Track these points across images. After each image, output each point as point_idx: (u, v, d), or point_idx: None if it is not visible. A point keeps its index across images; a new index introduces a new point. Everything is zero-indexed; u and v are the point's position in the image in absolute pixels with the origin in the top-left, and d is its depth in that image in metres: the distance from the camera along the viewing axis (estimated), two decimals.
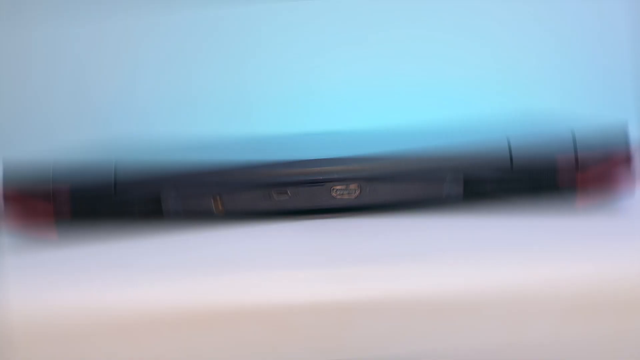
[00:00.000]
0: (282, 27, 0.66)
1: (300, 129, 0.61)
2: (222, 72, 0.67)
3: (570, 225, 0.32)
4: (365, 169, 0.34)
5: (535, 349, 0.25)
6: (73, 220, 0.35)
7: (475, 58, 0.66)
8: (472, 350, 0.25)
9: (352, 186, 0.34)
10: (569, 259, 0.28)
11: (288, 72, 0.67)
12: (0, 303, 0.25)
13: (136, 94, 0.67)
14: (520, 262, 0.28)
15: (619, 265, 0.27)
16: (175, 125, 0.67)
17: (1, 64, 0.67)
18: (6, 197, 0.35)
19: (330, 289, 0.26)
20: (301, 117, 0.67)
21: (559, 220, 0.34)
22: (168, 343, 0.25)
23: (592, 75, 0.65)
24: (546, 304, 0.25)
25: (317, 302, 0.25)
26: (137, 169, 0.35)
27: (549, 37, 0.65)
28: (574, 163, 0.34)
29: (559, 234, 0.32)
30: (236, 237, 0.32)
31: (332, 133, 0.50)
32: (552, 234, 0.32)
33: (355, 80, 0.66)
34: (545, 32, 0.65)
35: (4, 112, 0.68)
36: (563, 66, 0.66)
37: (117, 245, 0.31)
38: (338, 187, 0.34)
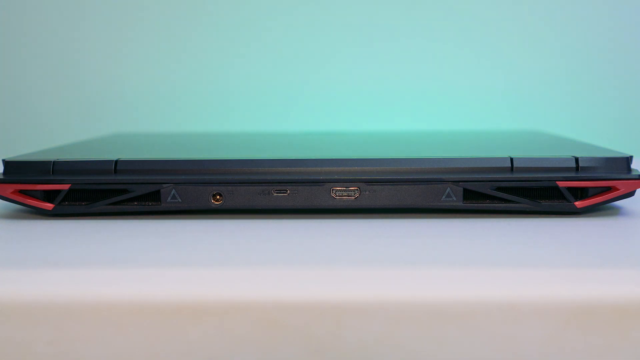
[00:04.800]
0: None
1: (304, 129, 0.61)
2: (224, 69, 0.67)
3: (570, 233, 0.32)
4: (366, 171, 0.34)
5: (534, 356, 0.25)
6: (71, 215, 0.36)
7: (484, 76, 0.66)
8: (467, 357, 0.25)
9: (352, 187, 0.34)
10: (568, 267, 0.28)
11: (290, 70, 0.67)
12: None
13: (136, 90, 0.67)
14: (517, 269, 0.27)
15: (620, 274, 0.27)
16: (176, 121, 0.67)
17: (1, 64, 0.67)
18: (6, 195, 0.35)
19: (324, 289, 0.25)
20: (305, 117, 0.67)
21: (558, 229, 0.34)
22: (160, 334, 0.25)
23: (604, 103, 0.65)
24: (544, 311, 0.25)
25: (310, 302, 0.25)
26: (137, 165, 0.35)
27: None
28: (575, 189, 0.34)
29: (558, 243, 0.32)
30: (232, 232, 0.32)
31: (335, 134, 0.50)
32: (550, 242, 0.32)
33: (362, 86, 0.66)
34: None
35: (4, 112, 0.68)
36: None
37: (114, 238, 0.31)
38: (338, 188, 0.34)
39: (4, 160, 0.36)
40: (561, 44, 0.66)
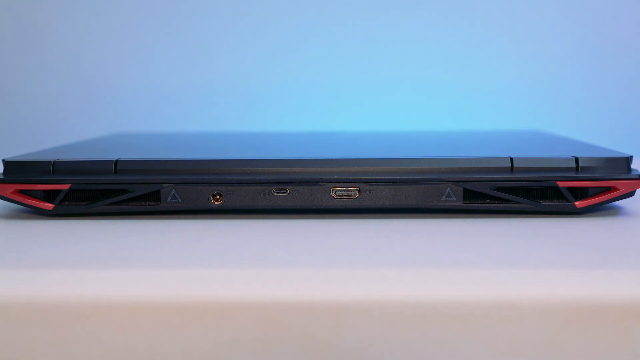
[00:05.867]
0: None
1: (304, 129, 0.61)
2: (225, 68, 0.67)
3: (570, 234, 0.32)
4: (366, 171, 0.34)
5: (534, 356, 0.25)
6: (71, 215, 0.35)
7: (485, 76, 0.66)
8: (467, 357, 0.25)
9: (352, 187, 0.34)
10: (568, 267, 0.28)
11: (291, 70, 0.67)
12: None
13: (136, 90, 0.67)
14: (517, 269, 0.27)
15: (619, 275, 0.27)
16: (176, 121, 0.67)
17: (1, 64, 0.67)
18: (6, 195, 0.35)
19: (324, 289, 0.25)
20: (305, 117, 0.67)
21: (558, 229, 0.34)
22: (160, 334, 0.25)
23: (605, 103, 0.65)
24: (545, 311, 0.25)
25: (310, 302, 0.25)
26: (137, 165, 0.35)
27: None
28: (575, 189, 0.34)
29: (558, 243, 0.31)
30: (232, 232, 0.32)
31: (335, 134, 0.50)
32: (550, 242, 0.32)
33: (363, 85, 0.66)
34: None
35: (4, 112, 0.68)
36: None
37: (114, 238, 0.31)
38: (338, 188, 0.34)
39: (4, 160, 0.36)
40: (561, 44, 0.66)
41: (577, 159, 0.34)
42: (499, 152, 0.35)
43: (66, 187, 0.34)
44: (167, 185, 0.34)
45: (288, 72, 0.67)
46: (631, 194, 0.34)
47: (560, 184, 0.34)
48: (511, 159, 0.34)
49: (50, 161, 0.35)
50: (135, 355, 0.25)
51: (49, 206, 0.35)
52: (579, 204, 0.34)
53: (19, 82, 0.68)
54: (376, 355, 0.25)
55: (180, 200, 0.35)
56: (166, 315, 0.25)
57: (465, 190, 0.34)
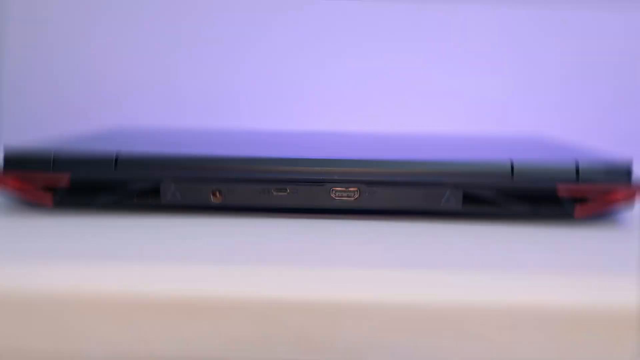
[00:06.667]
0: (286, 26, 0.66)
1: (305, 129, 0.61)
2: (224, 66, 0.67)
3: (570, 239, 0.32)
4: (367, 172, 0.34)
5: None
6: (72, 208, 0.35)
7: (486, 79, 0.66)
8: None
9: (352, 188, 0.34)
10: (567, 273, 0.28)
11: (292, 70, 0.67)
12: None
13: (138, 85, 0.67)
14: (517, 273, 0.27)
15: (616, 282, 0.27)
16: (177, 117, 0.67)
17: (2, 58, 0.67)
18: (6, 184, 0.35)
19: (322, 290, 0.25)
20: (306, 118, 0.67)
21: (558, 234, 0.34)
22: (158, 330, 0.25)
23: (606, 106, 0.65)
24: (544, 317, 0.25)
25: (308, 302, 0.25)
26: (137, 159, 0.35)
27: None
28: (575, 193, 0.34)
29: (558, 248, 0.31)
30: (231, 230, 0.32)
31: (337, 134, 0.50)
32: (550, 247, 0.32)
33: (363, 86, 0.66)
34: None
35: (4, 110, 0.68)
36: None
37: (114, 233, 0.31)
38: (337, 189, 0.34)
39: (4, 147, 0.36)
40: (562, 46, 0.66)
41: (578, 164, 0.34)
42: (499, 155, 0.35)
43: (66, 180, 0.34)
44: (167, 181, 0.34)
45: (289, 70, 0.67)
46: (632, 200, 0.34)
47: (561, 188, 0.34)
48: (512, 163, 0.34)
49: (51, 154, 0.35)
50: (134, 350, 0.25)
51: (48, 199, 0.35)
52: (579, 209, 0.34)
53: (19, 81, 0.67)
54: (375, 356, 0.25)
55: (180, 196, 0.34)
56: (164, 312, 0.25)
57: (465, 194, 0.34)
